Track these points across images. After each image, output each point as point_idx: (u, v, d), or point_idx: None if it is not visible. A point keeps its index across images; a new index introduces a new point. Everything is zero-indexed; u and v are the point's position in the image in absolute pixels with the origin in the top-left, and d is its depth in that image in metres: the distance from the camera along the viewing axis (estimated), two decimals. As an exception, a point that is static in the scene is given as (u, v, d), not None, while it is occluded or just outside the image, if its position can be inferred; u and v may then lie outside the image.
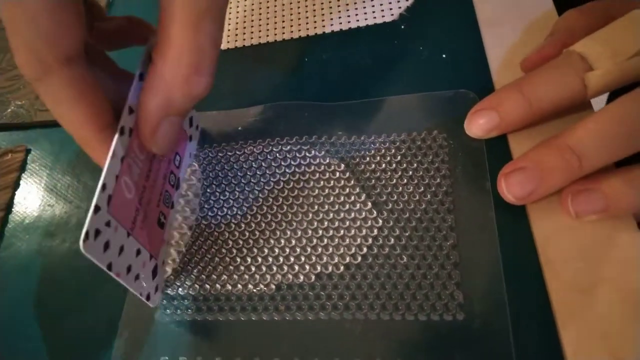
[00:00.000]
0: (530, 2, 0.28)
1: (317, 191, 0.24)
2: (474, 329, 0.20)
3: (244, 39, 0.32)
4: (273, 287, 0.22)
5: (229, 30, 0.33)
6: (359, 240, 0.23)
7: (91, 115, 0.18)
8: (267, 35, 0.32)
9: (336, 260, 0.22)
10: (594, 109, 0.23)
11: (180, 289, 0.23)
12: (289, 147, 0.26)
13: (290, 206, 0.24)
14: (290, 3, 0.33)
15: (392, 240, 0.22)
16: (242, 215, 0.25)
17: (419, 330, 0.20)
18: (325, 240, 0.23)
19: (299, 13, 0.32)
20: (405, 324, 0.20)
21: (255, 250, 0.23)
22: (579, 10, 0.24)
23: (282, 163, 0.26)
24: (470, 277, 0.21)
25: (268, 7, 0.33)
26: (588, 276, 0.20)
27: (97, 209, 0.17)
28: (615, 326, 0.19)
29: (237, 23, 0.33)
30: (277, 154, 0.26)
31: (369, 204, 0.23)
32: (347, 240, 0.23)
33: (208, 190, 0.26)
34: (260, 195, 0.25)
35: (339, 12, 0.31)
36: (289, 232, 0.24)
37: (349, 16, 0.31)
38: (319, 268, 0.22)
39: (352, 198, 0.24)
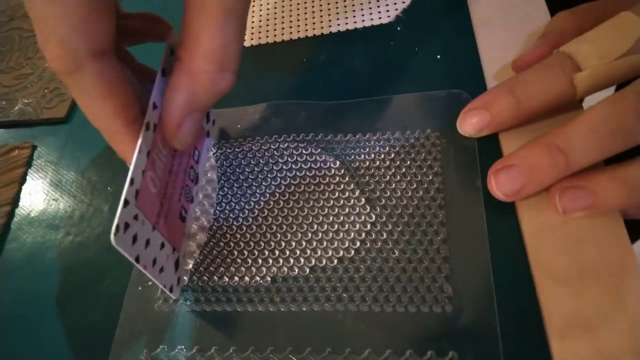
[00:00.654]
0: (523, 4, 0.29)
1: (312, 187, 0.25)
2: (462, 320, 0.20)
3: (243, 41, 0.33)
4: (269, 279, 0.23)
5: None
6: (352, 234, 0.23)
7: (120, 109, 0.18)
8: (267, 37, 0.33)
9: (330, 253, 0.23)
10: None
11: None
12: (286, 145, 0.27)
13: (286, 201, 0.25)
14: (290, 5, 0.34)
15: (385, 234, 0.23)
16: (240, 210, 0.25)
17: (408, 321, 0.21)
18: (320, 234, 0.24)
19: (298, 15, 0.33)
20: (395, 316, 0.21)
21: (252, 243, 0.24)
22: (570, 12, 0.25)
23: (280, 160, 0.27)
24: (460, 270, 0.21)
25: (268, 9, 0.34)
26: (574, 271, 0.20)
27: (126, 202, 0.18)
28: (601, 319, 0.19)
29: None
30: (275, 152, 0.27)
31: (363, 199, 0.24)
32: (341, 234, 0.23)
33: (207, 186, 0.27)
34: (258, 191, 0.26)
35: (337, 14, 0.32)
36: (284, 227, 0.24)
37: (346, 18, 0.32)
38: (313, 261, 0.23)
39: (347, 194, 0.24)
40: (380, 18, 0.31)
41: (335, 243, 0.23)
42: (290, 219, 0.24)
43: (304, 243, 0.24)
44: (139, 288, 0.24)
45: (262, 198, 0.25)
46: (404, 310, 0.21)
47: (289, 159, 0.26)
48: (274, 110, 0.29)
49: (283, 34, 0.32)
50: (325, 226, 0.24)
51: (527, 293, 0.20)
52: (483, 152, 0.24)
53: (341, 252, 0.23)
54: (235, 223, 0.25)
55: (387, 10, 0.31)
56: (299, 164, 0.26)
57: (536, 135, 0.24)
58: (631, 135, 0.19)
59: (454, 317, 0.20)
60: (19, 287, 0.26)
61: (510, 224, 0.22)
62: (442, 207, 0.23)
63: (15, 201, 0.30)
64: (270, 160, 0.27)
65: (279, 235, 0.24)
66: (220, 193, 0.26)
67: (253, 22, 0.34)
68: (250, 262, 0.24)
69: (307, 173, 0.26)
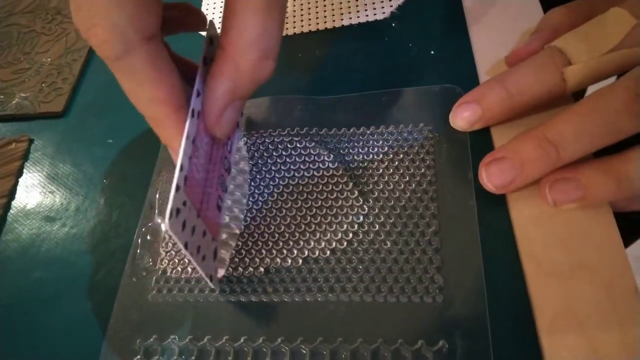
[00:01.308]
0: (516, 1, 0.29)
1: (306, 180, 0.25)
2: (452, 310, 0.20)
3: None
4: (262, 270, 0.23)
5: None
6: (345, 226, 0.23)
7: (168, 94, 0.18)
8: (263, 32, 0.33)
9: (323, 245, 0.23)
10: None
11: (173, 272, 0.24)
12: (280, 139, 0.27)
13: (280, 194, 0.25)
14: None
15: (377, 226, 0.23)
16: (234, 202, 0.25)
17: (399, 311, 0.21)
18: (313, 226, 0.24)
19: (294, 11, 0.33)
20: (386, 306, 0.21)
21: (245, 235, 0.24)
22: (563, 8, 0.25)
23: (274, 154, 0.27)
24: (451, 261, 0.21)
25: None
26: (565, 263, 0.20)
27: (177, 188, 0.18)
28: (591, 312, 0.19)
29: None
30: (269, 146, 0.27)
31: (356, 192, 0.24)
32: (334, 226, 0.24)
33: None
34: (252, 184, 0.26)
35: (333, 10, 0.32)
36: (278, 219, 0.24)
37: (341, 14, 0.32)
38: (306, 252, 0.23)
39: (340, 187, 0.25)
40: (375, 14, 0.31)
41: (328, 235, 0.23)
42: (284, 211, 0.25)
43: (297, 235, 0.24)
44: (133, 279, 0.24)
45: (256, 191, 0.26)
46: (395, 301, 0.21)
47: (284, 153, 0.27)
48: (269, 104, 0.29)
49: (279, 30, 0.32)
50: (319, 218, 0.24)
51: (517, 284, 0.20)
52: (475, 145, 0.24)
53: (334, 244, 0.23)
54: (229, 214, 0.25)
55: (382, 7, 0.31)
56: (294, 157, 0.26)
57: (527, 128, 0.24)
58: (620, 128, 0.19)
59: (444, 307, 0.20)
60: (15, 278, 0.26)
61: (501, 216, 0.22)
62: (434, 199, 0.23)
63: (11, 194, 0.30)
64: (265, 154, 0.27)
65: (272, 227, 0.24)
66: (215, 186, 0.26)
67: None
68: (244, 253, 0.24)
69: (302, 166, 0.26)
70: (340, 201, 0.24)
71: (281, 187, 0.25)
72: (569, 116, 0.20)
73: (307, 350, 0.21)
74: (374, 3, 0.32)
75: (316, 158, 0.26)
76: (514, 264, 0.21)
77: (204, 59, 0.20)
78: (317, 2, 0.33)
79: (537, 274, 0.20)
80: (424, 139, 0.25)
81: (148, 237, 0.25)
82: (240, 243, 0.24)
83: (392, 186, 0.24)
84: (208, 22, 0.22)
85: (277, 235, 0.24)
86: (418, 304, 0.21)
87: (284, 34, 0.32)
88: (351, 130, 0.26)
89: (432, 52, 0.28)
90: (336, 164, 0.25)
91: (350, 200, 0.24)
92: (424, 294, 0.21)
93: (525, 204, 0.22)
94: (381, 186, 0.24)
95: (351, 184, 0.25)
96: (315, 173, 0.25)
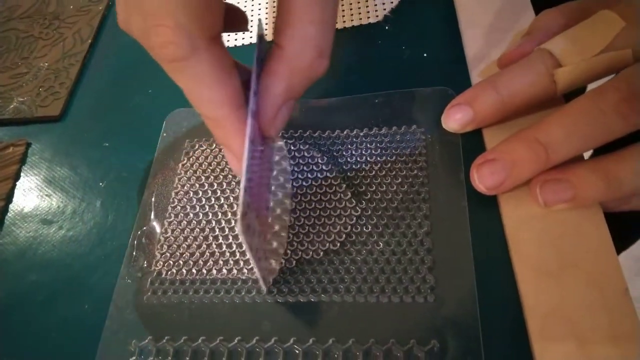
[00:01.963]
0: (508, 4, 0.29)
1: (300, 182, 0.26)
2: (444, 310, 0.21)
3: (236, 39, 0.33)
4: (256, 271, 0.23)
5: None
6: (338, 227, 0.24)
7: (231, 94, 0.18)
8: (259, 36, 0.33)
9: (316, 246, 0.23)
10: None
11: (168, 274, 0.24)
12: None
13: (274, 195, 0.25)
14: (282, 5, 0.34)
15: (370, 227, 0.23)
16: (229, 205, 0.26)
17: (391, 312, 0.21)
18: (307, 227, 0.24)
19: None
20: (379, 306, 0.21)
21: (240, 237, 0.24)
22: (555, 10, 0.25)
23: (269, 156, 0.27)
24: (442, 262, 0.22)
25: (259, 9, 0.35)
26: (555, 263, 0.21)
27: (245, 190, 0.18)
28: (582, 311, 0.19)
29: (230, 24, 0.34)
30: (264, 147, 0.27)
31: (349, 193, 0.24)
32: (327, 227, 0.24)
33: (198, 182, 0.27)
34: (247, 185, 0.26)
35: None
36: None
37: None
38: (299, 254, 0.23)
39: (334, 188, 0.25)
40: (369, 18, 0.32)
41: (322, 236, 0.24)
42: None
43: (291, 236, 0.24)
44: (129, 281, 0.24)
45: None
46: (387, 301, 0.21)
47: (278, 155, 0.27)
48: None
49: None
50: (312, 220, 0.24)
51: (508, 284, 0.21)
52: (467, 147, 0.25)
53: (327, 245, 0.23)
54: (224, 217, 0.25)
55: (376, 10, 0.32)
56: (288, 159, 0.27)
57: (519, 129, 0.24)
58: (609, 129, 0.19)
59: (436, 307, 0.21)
60: (12, 280, 0.26)
61: (492, 216, 0.22)
62: (426, 200, 0.23)
63: (9, 197, 0.30)
64: (260, 156, 0.27)
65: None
66: (210, 189, 0.27)
67: (245, 22, 0.34)
68: (238, 255, 0.24)
69: (296, 169, 0.26)
70: (333, 203, 0.24)
71: (275, 189, 0.26)
72: (559, 117, 0.20)
73: (300, 350, 0.21)
74: (367, 6, 0.32)
75: (310, 160, 0.26)
76: (505, 264, 0.21)
77: (257, 59, 0.20)
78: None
79: (528, 274, 0.21)
80: (417, 140, 0.25)
81: (143, 240, 0.26)
82: (234, 245, 0.24)
83: (385, 188, 0.24)
84: (257, 21, 0.22)
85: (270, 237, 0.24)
86: (410, 304, 0.21)
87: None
88: (345, 133, 0.27)
89: (425, 55, 0.29)
90: (330, 166, 0.26)
91: (344, 202, 0.24)
92: (416, 294, 0.21)
93: (516, 204, 0.22)
94: (374, 188, 0.24)
95: (344, 186, 0.25)
96: (309, 175, 0.26)
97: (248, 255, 0.19)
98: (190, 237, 0.25)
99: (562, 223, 0.22)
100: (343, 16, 0.32)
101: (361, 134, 0.26)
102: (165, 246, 0.25)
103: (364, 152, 0.26)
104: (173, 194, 0.27)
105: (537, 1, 0.29)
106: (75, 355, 0.23)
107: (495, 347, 0.19)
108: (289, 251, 0.24)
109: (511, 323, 0.20)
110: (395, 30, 0.31)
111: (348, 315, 0.21)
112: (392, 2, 0.32)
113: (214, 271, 0.24)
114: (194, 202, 0.26)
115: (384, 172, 0.25)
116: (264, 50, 0.19)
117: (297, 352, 0.21)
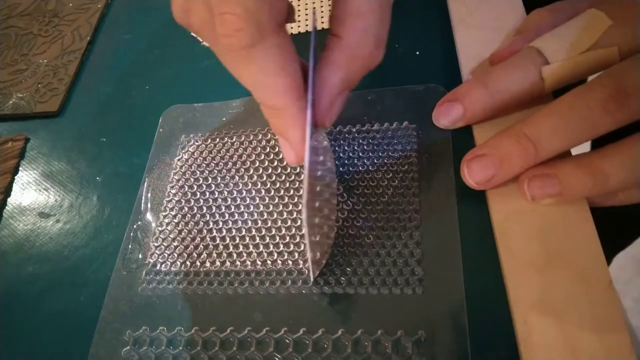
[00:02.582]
0: (500, 3, 0.30)
1: (293, 177, 0.26)
2: (431, 302, 0.21)
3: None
4: (249, 263, 0.24)
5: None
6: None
7: (292, 84, 0.18)
8: (255, 34, 0.33)
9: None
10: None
11: (162, 266, 0.25)
12: (269, 137, 0.28)
13: (267, 190, 0.26)
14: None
15: (361, 221, 0.24)
16: (223, 199, 0.26)
17: (380, 303, 0.21)
18: (299, 221, 0.24)
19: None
20: (368, 298, 0.22)
21: (233, 230, 0.25)
22: (546, 9, 0.26)
23: (262, 151, 0.27)
24: (431, 255, 0.22)
25: None
26: (541, 256, 0.21)
27: (309, 177, 0.18)
28: (565, 303, 0.20)
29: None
30: (257, 143, 0.28)
31: (341, 188, 0.25)
32: (319, 221, 0.24)
33: (193, 177, 0.28)
34: (240, 181, 0.27)
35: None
36: (265, 214, 0.25)
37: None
38: (292, 247, 0.24)
39: (326, 183, 0.25)
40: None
41: (314, 229, 0.24)
42: (271, 207, 0.25)
43: (283, 230, 0.24)
44: (124, 272, 0.25)
45: (244, 187, 0.26)
46: (376, 293, 0.22)
47: (272, 150, 0.27)
48: (257, 103, 0.29)
49: (270, 32, 0.33)
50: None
51: (495, 276, 0.21)
52: (457, 143, 0.25)
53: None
54: (218, 211, 0.26)
55: (370, 9, 0.32)
56: (281, 155, 0.27)
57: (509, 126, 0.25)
58: (596, 125, 0.20)
59: (424, 299, 0.21)
60: (11, 272, 0.27)
61: (480, 210, 0.23)
62: (416, 195, 0.24)
63: (7, 191, 0.30)
64: (254, 152, 0.28)
65: (259, 222, 0.25)
66: (205, 183, 0.27)
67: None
68: (231, 247, 0.24)
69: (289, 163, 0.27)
70: (325, 197, 0.25)
71: (268, 184, 0.26)
72: (547, 113, 0.21)
73: (291, 340, 0.21)
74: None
75: (303, 155, 0.27)
76: (492, 258, 0.22)
77: (314, 49, 0.19)
78: (306, 4, 0.34)
79: (514, 267, 0.21)
80: (408, 137, 0.26)
81: (139, 233, 0.26)
82: (227, 238, 0.25)
83: (376, 182, 0.25)
84: (312, 11, 0.22)
85: (263, 230, 0.25)
86: (398, 296, 0.21)
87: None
88: (337, 129, 0.27)
89: (417, 53, 0.29)
90: (322, 161, 0.26)
91: (336, 196, 0.25)
92: (404, 285, 0.21)
93: (505, 199, 0.23)
94: (365, 182, 0.25)
95: (336, 180, 0.25)
96: (302, 169, 0.26)
97: (306, 244, 0.19)
98: (185, 230, 0.26)
99: (549, 217, 0.22)
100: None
101: (354, 130, 0.27)
102: (160, 239, 0.26)
103: (356, 148, 0.26)
104: (168, 188, 0.27)
105: (528, 0, 0.30)
106: (71, 345, 0.24)
107: (481, 336, 0.20)
108: (281, 245, 0.24)
109: (497, 315, 0.20)
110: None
111: (338, 306, 0.22)
112: (386, 1, 0.32)
113: (208, 263, 0.24)
114: (189, 196, 0.27)
115: (375, 167, 0.25)
116: (317, 40, 0.19)
117: (287, 342, 0.21)
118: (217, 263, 0.24)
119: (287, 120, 0.19)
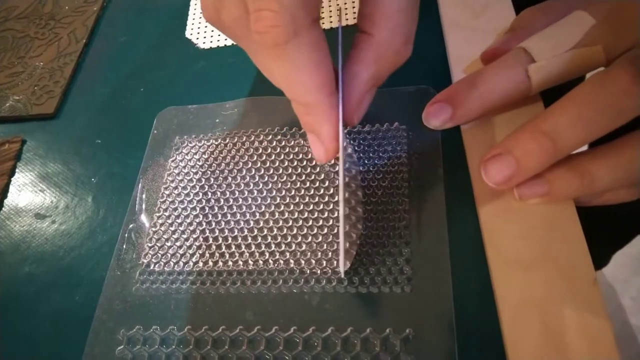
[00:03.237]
0: (491, 5, 0.30)
1: (285, 177, 0.26)
2: (419, 300, 0.21)
3: (226, 39, 0.34)
4: (241, 263, 0.24)
5: (208, 30, 0.35)
6: (320, 221, 0.24)
7: (326, 80, 0.18)
8: (248, 36, 0.34)
9: (299, 239, 0.24)
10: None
11: (156, 266, 0.25)
12: (262, 138, 0.28)
13: (260, 191, 0.26)
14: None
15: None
16: (216, 200, 0.27)
17: (370, 301, 0.22)
18: (290, 221, 0.25)
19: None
20: (358, 296, 0.22)
21: (225, 231, 0.25)
22: (537, 9, 0.26)
23: (255, 152, 0.28)
24: (420, 254, 0.22)
25: None
26: (527, 254, 0.21)
27: (346, 178, 0.18)
28: (551, 302, 0.20)
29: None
30: (250, 144, 0.28)
31: (332, 189, 0.25)
32: (310, 222, 0.24)
33: (187, 178, 0.28)
34: (233, 182, 0.27)
35: (346, 9, 0.33)
36: (257, 214, 0.25)
37: (322, 19, 0.33)
38: (283, 246, 0.24)
39: (317, 184, 0.26)
40: (355, 18, 0.32)
41: (304, 229, 0.24)
42: (264, 207, 0.26)
43: (274, 230, 0.25)
44: (118, 273, 0.25)
45: (237, 188, 0.27)
46: (366, 291, 0.22)
47: (264, 152, 0.28)
48: (251, 105, 0.30)
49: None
50: (296, 214, 0.25)
51: (482, 275, 0.21)
52: (446, 144, 0.25)
53: (309, 238, 0.24)
54: (211, 212, 0.26)
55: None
56: (273, 155, 0.27)
57: (497, 127, 0.25)
58: (622, 110, 0.18)
59: (412, 297, 0.21)
60: (7, 272, 0.27)
61: (469, 210, 0.23)
62: (405, 195, 0.24)
63: (4, 192, 0.31)
64: (247, 153, 0.28)
65: (251, 223, 0.25)
66: (198, 184, 0.27)
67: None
68: (223, 248, 0.25)
69: (281, 165, 0.27)
70: (317, 197, 0.25)
71: (261, 184, 0.26)
72: (565, 105, 0.20)
73: (282, 338, 0.22)
74: (354, 8, 0.33)
75: (295, 156, 0.27)
76: (479, 256, 0.22)
77: (342, 46, 0.19)
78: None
79: (501, 265, 0.21)
80: (399, 137, 0.26)
81: (133, 234, 0.26)
82: (220, 239, 0.25)
83: (366, 183, 0.25)
84: (336, 9, 0.22)
85: (255, 231, 0.25)
86: (387, 294, 0.22)
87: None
88: (329, 130, 0.27)
89: (409, 54, 0.29)
90: (314, 162, 0.26)
91: (327, 197, 0.25)
92: (393, 284, 0.22)
93: (493, 197, 0.23)
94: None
95: (327, 181, 0.26)
96: (294, 171, 0.26)
97: (340, 239, 0.19)
98: (178, 230, 0.26)
99: (536, 216, 0.22)
100: (330, 17, 0.33)
101: (345, 130, 0.27)
102: (154, 239, 0.26)
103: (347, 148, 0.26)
104: (162, 189, 0.28)
105: (518, 1, 0.30)
106: (66, 344, 0.24)
107: (468, 334, 0.20)
108: (273, 244, 0.24)
109: (484, 312, 0.21)
110: (380, 30, 0.31)
111: (329, 304, 0.22)
112: (378, 3, 0.33)
113: (200, 263, 0.25)
114: (182, 197, 0.27)
115: (365, 168, 0.25)
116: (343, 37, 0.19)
117: (278, 340, 0.22)
118: (210, 263, 0.24)
119: (319, 116, 0.19)
